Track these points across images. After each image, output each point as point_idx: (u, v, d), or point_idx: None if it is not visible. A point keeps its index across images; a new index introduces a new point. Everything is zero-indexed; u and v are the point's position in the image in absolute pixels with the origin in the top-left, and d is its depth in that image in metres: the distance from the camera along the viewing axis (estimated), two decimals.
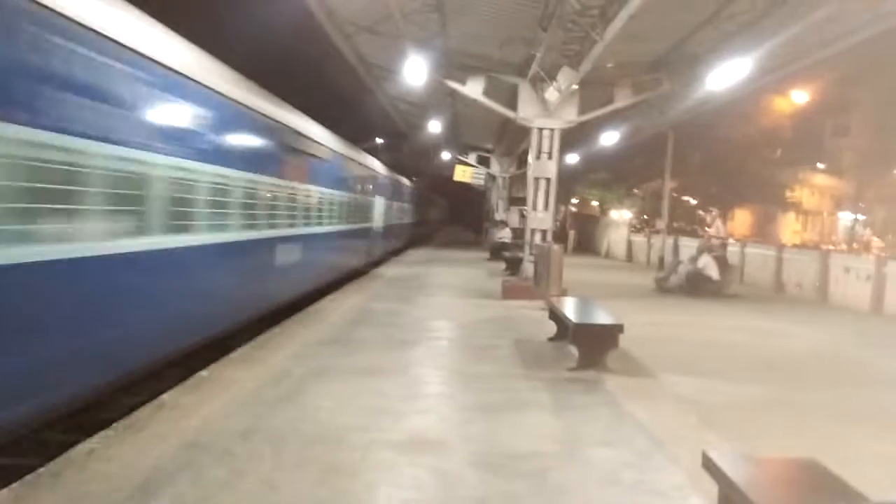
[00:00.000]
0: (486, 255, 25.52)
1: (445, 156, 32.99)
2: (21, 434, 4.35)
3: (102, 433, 4.68)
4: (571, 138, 18.57)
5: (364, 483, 4.12)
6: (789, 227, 47.97)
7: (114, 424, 4.87)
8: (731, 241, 19.52)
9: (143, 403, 5.49)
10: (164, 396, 5.63)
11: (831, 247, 32.79)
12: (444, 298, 13.46)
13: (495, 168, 30.18)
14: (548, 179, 13.94)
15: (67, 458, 4.22)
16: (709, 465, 3.27)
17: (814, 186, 51.20)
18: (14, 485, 3.80)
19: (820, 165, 48.97)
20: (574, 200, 42.72)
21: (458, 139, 28.78)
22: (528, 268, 14.17)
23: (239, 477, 4.09)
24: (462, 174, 29.46)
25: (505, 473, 4.38)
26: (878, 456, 4.96)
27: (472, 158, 29.86)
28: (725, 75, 11.60)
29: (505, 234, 25.38)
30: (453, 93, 15.43)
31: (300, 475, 4.17)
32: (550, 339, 8.85)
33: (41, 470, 4.01)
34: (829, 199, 52.09)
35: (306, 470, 4.26)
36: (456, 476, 4.30)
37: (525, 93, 13.87)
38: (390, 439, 4.91)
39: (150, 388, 6.26)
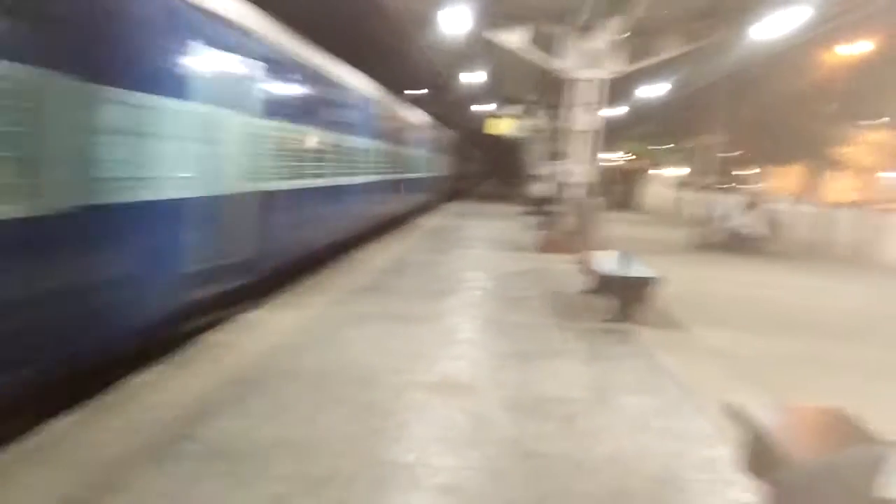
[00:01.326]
0: (524, 208, 25.43)
1: (480, 107, 32.60)
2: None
3: (156, 368, 4.96)
4: (616, 90, 18.19)
5: (396, 422, 4.31)
6: (840, 185, 46.44)
7: (166, 360, 5.14)
8: (775, 198, 19.08)
9: (190, 342, 5.77)
10: (212, 336, 5.90)
11: (872, 205, 31.69)
12: (481, 250, 13.56)
13: (535, 121, 29.76)
14: (590, 132, 13.75)
15: (123, 390, 4.50)
16: (732, 413, 3.34)
17: (870, 143, 49.22)
18: (76, 411, 4.08)
19: (876, 122, 46.95)
20: (620, 154, 41.92)
21: (498, 91, 28.36)
22: (565, 221, 14.13)
23: (282, 411, 4.32)
24: (495, 126, 29.07)
25: (536, 416, 4.52)
26: None
27: (507, 110, 29.43)
28: (780, 23, 11.16)
29: (539, 188, 25.19)
30: (489, 43, 15.20)
31: (338, 413, 4.38)
32: (584, 292, 8.90)
33: (99, 399, 4.29)
34: (876, 156, 50.04)
35: (344, 408, 4.46)
36: (488, 417, 4.46)
37: (569, 42, 13.58)
38: (424, 381, 5.09)
39: (198, 329, 6.54)
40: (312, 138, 9.69)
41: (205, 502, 3.19)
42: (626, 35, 12.61)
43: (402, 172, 18.00)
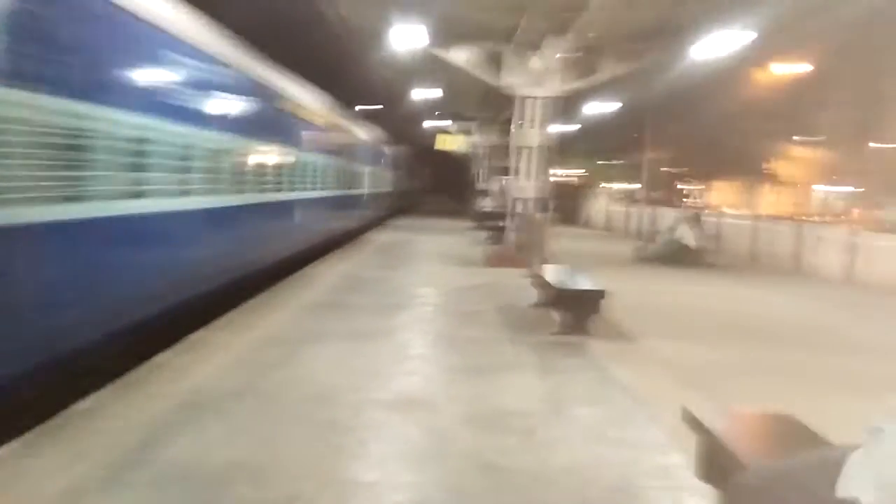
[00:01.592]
0: (470, 223, 25.62)
1: (430, 123, 32.79)
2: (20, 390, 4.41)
3: (100, 392, 4.77)
4: (566, 108, 18.62)
5: (358, 439, 4.26)
6: (768, 198, 48.56)
7: (110, 384, 4.95)
8: (708, 211, 19.81)
9: (135, 365, 5.57)
10: (159, 357, 5.72)
11: (804, 218, 33.35)
12: (431, 265, 13.59)
13: (479, 137, 30.13)
14: (531, 148, 14.00)
15: (69, 414, 4.31)
16: (688, 419, 3.44)
17: (794, 158, 51.72)
18: (22, 437, 3.89)
19: (799, 138, 49.44)
20: (559, 171, 42.81)
21: (442, 107, 28.61)
22: (511, 236, 14.32)
23: (238, 434, 4.22)
24: (444, 142, 29.34)
25: (494, 430, 4.55)
26: (846, 414, 5.19)
27: (456, 127, 29.73)
28: (713, 46, 11.68)
29: (487, 203, 25.48)
30: (439, 60, 15.35)
31: (296, 432, 4.30)
32: (534, 306, 9.03)
33: (45, 425, 4.10)
34: (809, 171, 52.67)
35: (301, 427, 4.39)
36: (446, 432, 4.46)
37: (511, 61, 13.85)
38: (382, 398, 5.06)
39: (143, 352, 6.33)
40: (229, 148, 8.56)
41: None
42: (572, 54, 12.94)
43: (348, 188, 17.85)
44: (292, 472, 3.71)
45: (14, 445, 3.81)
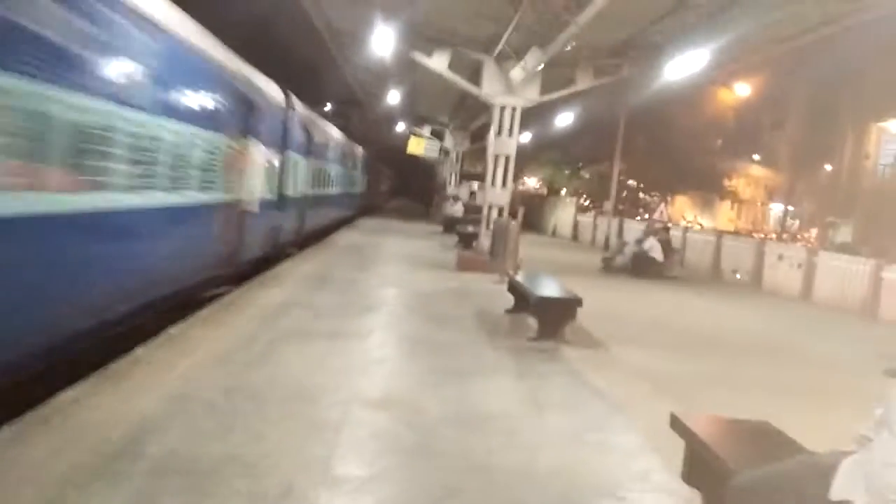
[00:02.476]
0: (437, 228, 25.75)
1: (398, 127, 32.84)
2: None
3: (83, 383, 4.71)
4: (525, 117, 18.94)
5: (345, 438, 4.31)
6: (726, 215, 49.92)
7: (91, 376, 4.89)
8: (674, 224, 20.32)
9: (111, 359, 5.49)
10: (139, 351, 5.66)
11: (763, 235, 34.43)
12: (401, 268, 13.64)
13: (449, 142, 30.31)
14: (507, 156, 14.21)
15: (53, 405, 4.26)
16: (676, 424, 3.60)
17: (750, 177, 53.33)
18: (9, 426, 3.83)
19: (756, 157, 51.00)
20: (527, 179, 43.29)
21: (413, 111, 28.73)
22: (484, 242, 14.47)
23: (229, 427, 4.23)
24: (416, 146, 29.45)
25: (478, 431, 4.65)
26: (810, 424, 5.44)
27: (425, 131, 29.87)
28: (683, 65, 12.07)
29: (457, 209, 25.66)
30: (413, 64, 15.45)
31: (285, 428, 4.33)
32: (508, 311, 9.17)
33: (28, 416, 4.04)
34: (764, 190, 54.37)
35: (290, 424, 4.42)
36: (432, 433, 4.54)
37: (490, 70, 14.05)
38: (366, 398, 5.11)
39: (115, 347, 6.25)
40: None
41: None
42: (539, 68, 13.19)
43: (320, 188, 17.73)
44: (283, 467, 3.75)
45: (3, 434, 3.75)
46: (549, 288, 8.36)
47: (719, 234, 20.33)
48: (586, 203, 35.44)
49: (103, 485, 3.34)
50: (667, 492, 3.93)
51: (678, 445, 3.64)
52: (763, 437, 3.52)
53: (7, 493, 3.18)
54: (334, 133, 22.06)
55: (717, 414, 4.03)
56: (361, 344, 6.87)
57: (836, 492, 2.19)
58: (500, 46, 13.01)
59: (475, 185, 32.02)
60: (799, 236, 38.84)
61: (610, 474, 4.16)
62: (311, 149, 15.99)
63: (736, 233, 30.65)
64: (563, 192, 39.77)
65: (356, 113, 38.08)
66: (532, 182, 44.71)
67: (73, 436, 3.86)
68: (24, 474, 3.37)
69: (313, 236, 17.23)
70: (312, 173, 16.52)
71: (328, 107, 37.84)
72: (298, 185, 14.48)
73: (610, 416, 5.28)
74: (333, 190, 21.25)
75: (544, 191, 42.99)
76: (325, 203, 19.57)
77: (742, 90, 35.20)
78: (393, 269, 13.32)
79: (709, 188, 41.68)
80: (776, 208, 51.53)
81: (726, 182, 42.09)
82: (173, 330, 6.61)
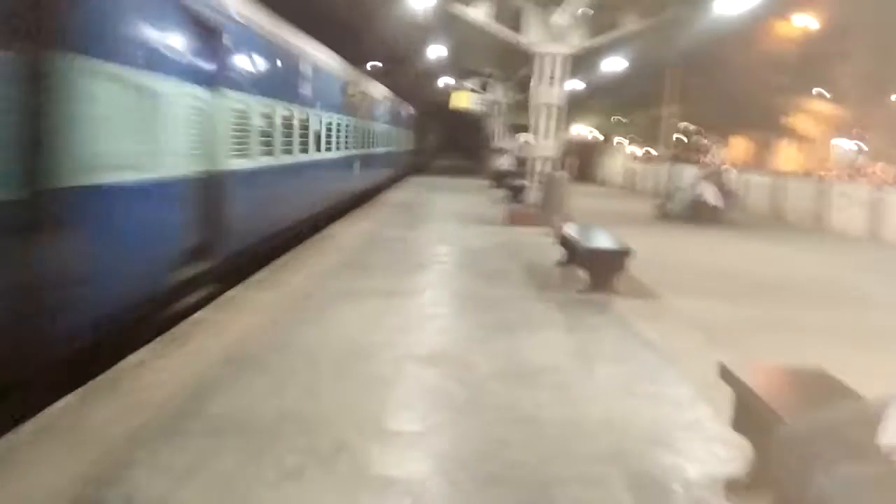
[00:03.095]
0: (486, 182, 25.59)
1: (444, 81, 32.45)
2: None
3: (149, 346, 4.96)
4: (574, 65, 18.44)
5: (397, 394, 4.43)
6: (787, 154, 47.91)
7: (157, 338, 5.15)
8: (728, 168, 19.66)
9: (174, 322, 5.76)
10: (200, 313, 5.90)
11: (823, 174, 32.99)
12: (450, 224, 13.69)
13: (495, 94, 29.82)
14: (552, 106, 13.92)
15: (120, 368, 4.51)
16: (725, 374, 3.56)
17: (813, 112, 50.83)
18: (77, 391, 4.09)
19: (820, 91, 48.46)
20: (580, 128, 42.35)
21: (457, 64, 28.29)
22: (532, 195, 14.34)
23: (283, 386, 4.40)
24: (459, 100, 29.08)
25: (528, 385, 4.70)
26: (870, 369, 5.30)
27: (471, 84, 29.44)
28: None
29: (506, 162, 25.39)
30: (454, 17, 15.17)
31: (339, 386, 4.48)
32: (559, 264, 9.13)
33: (99, 378, 4.29)
34: (829, 126, 51.80)
35: (344, 381, 4.56)
36: (483, 387, 4.62)
37: (531, 17, 13.66)
38: (417, 354, 5.22)
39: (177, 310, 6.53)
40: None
41: (224, 475, 3.26)
42: (588, 11, 12.76)
43: (367, 148, 17.93)
44: (337, 423, 3.89)
45: (71, 398, 4.00)
46: (598, 239, 8.27)
47: (779, 175, 19.58)
48: (642, 150, 34.54)
49: (167, 442, 3.54)
50: (718, 440, 3.91)
51: (730, 396, 3.61)
52: (816, 383, 3.45)
53: (78, 451, 3.41)
54: (382, 94, 22.13)
55: (767, 361, 3.96)
56: (412, 301, 6.98)
57: (883, 436, 2.15)
58: None
59: (523, 136, 31.57)
60: (864, 173, 36.96)
61: (660, 425, 4.16)
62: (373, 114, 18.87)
63: (799, 173, 29.44)
64: (616, 140, 38.83)
65: (403, 70, 37.79)
66: (585, 131, 43.72)
67: (139, 397, 4.09)
68: (95, 434, 3.61)
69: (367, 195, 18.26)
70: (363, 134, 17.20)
71: (378, 64, 37.62)
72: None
73: (661, 368, 5.26)
74: (380, 149, 21.52)
75: (601, 139, 42.01)
76: (375, 162, 19.83)
77: (803, 21, 33.23)
78: (442, 226, 13.38)
79: (768, 128, 39.96)
80: (842, 145, 49.08)
81: (783, 119, 40.18)
82: (231, 292, 6.85)
